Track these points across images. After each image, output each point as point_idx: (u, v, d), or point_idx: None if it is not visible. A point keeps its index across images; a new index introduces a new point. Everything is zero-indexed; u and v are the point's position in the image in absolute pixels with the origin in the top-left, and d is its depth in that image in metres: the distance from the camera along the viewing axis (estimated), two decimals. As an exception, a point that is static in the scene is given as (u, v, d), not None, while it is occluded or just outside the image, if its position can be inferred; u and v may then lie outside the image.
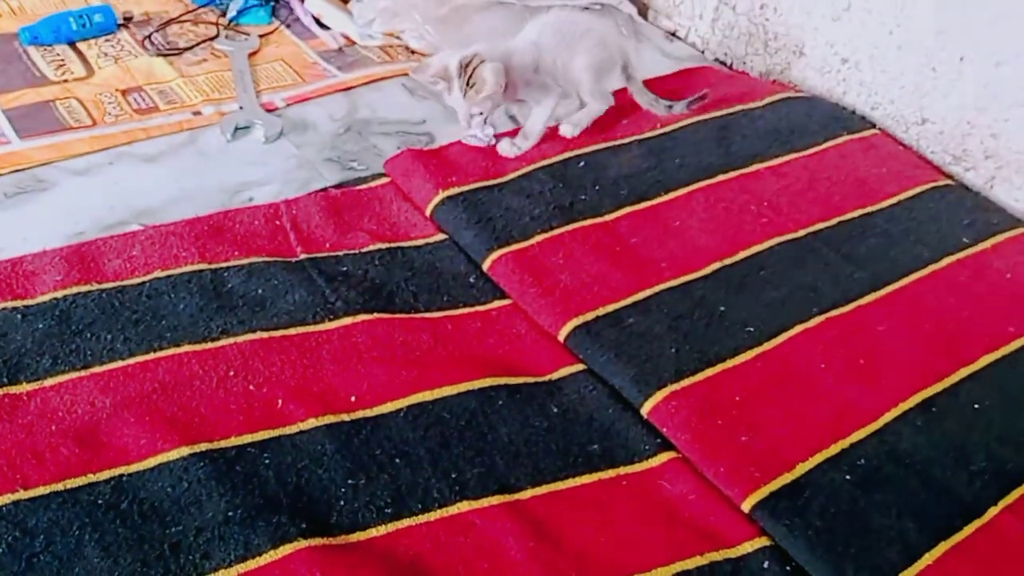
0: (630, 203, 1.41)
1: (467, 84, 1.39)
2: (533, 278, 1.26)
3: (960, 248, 1.38)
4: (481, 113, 1.43)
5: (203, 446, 1.00)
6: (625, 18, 1.97)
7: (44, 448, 0.98)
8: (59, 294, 1.16)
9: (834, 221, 1.42)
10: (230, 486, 0.96)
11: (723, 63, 1.94)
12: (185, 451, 0.99)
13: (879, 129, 1.67)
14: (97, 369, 1.07)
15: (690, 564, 0.96)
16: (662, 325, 1.21)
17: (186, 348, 1.11)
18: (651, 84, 1.73)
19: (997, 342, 1.23)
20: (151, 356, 1.10)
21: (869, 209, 1.45)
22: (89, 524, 0.91)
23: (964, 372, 1.18)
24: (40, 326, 1.12)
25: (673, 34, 2.02)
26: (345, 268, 1.27)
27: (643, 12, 2.05)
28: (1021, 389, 1.17)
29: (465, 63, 1.38)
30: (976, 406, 1.14)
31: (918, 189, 1.50)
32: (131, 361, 1.09)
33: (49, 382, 1.05)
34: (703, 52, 1.97)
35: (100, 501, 0.94)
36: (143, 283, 1.19)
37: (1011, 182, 1.53)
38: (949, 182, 1.55)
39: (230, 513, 0.94)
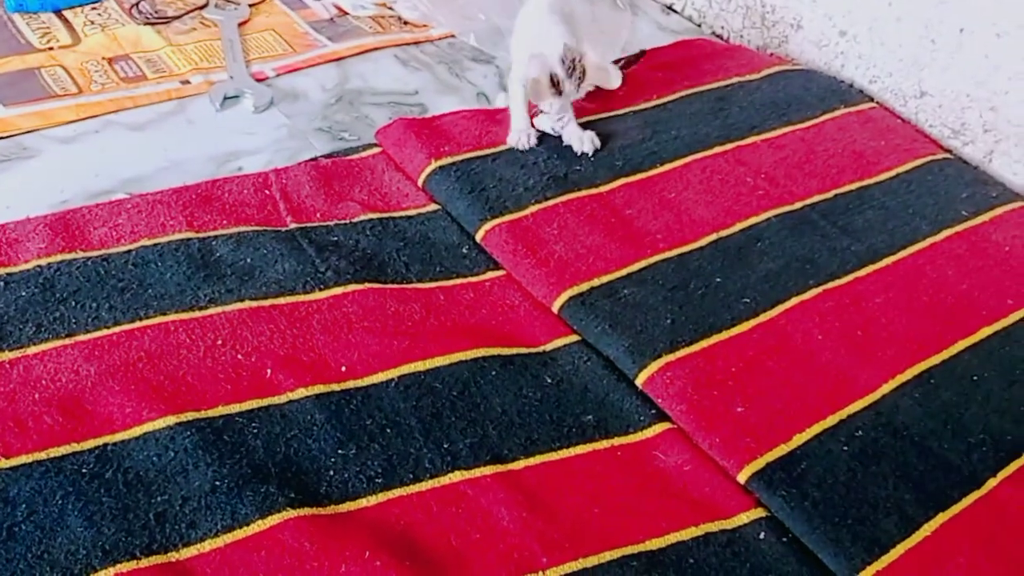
0: (625, 174, 1.39)
1: (580, 78, 1.36)
2: (527, 249, 1.24)
3: (959, 221, 1.37)
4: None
5: (190, 415, 0.98)
6: (621, -10, 1.94)
7: (27, 416, 0.96)
8: (43, 262, 1.14)
9: (831, 194, 1.40)
10: (217, 455, 0.94)
11: (720, 36, 1.91)
12: (171, 420, 0.97)
13: (877, 102, 1.65)
14: (82, 337, 1.05)
15: (685, 535, 0.95)
16: (657, 296, 1.20)
17: (173, 317, 1.09)
18: (647, 55, 1.72)
19: (995, 314, 1.22)
20: (137, 324, 1.08)
21: (867, 182, 1.43)
22: (72, 493, 0.90)
23: (962, 344, 1.17)
24: (23, 294, 1.09)
25: (670, 7, 2.00)
26: (336, 238, 1.25)
27: (639, -16, 2.03)
28: (1019, 361, 1.16)
29: (569, 60, 1.34)
30: (974, 378, 1.13)
31: (916, 162, 1.49)
32: (116, 329, 1.07)
33: (32, 350, 1.03)
34: (699, 25, 1.95)
35: (84, 470, 0.92)
36: (129, 251, 1.17)
37: (1010, 155, 1.51)
38: (947, 156, 1.53)
39: (217, 483, 0.92)
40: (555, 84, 1.36)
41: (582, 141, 1.42)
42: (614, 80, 1.36)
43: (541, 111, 1.43)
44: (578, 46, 1.37)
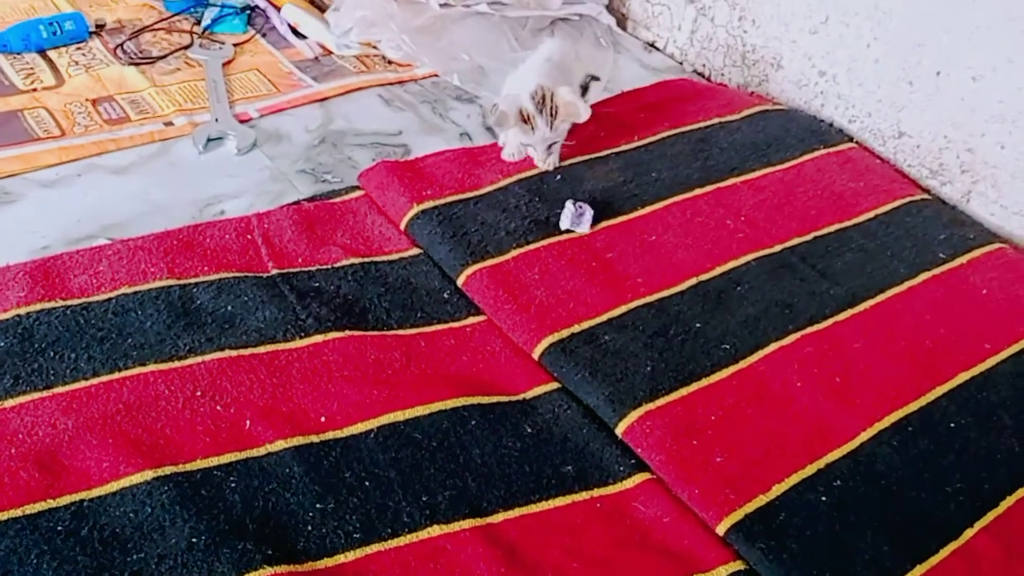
0: (606, 218, 1.40)
1: (551, 115, 1.38)
2: (508, 294, 1.25)
3: (936, 264, 1.38)
4: (556, 141, 1.43)
5: (168, 469, 0.98)
6: (604, 29, 1.96)
7: (3, 472, 0.95)
8: (22, 311, 1.13)
9: (810, 236, 1.41)
10: (195, 511, 0.94)
11: (701, 75, 1.93)
12: (149, 475, 0.97)
13: (856, 142, 1.66)
14: (60, 389, 1.05)
15: (663, 589, 0.95)
16: (637, 342, 1.20)
17: (152, 367, 1.09)
18: (629, 96, 1.74)
19: (973, 359, 1.23)
20: (116, 376, 1.07)
21: (845, 224, 1.44)
22: (48, 552, 0.89)
23: (940, 390, 1.18)
24: (1, 344, 1.09)
25: (652, 45, 2.02)
26: (317, 284, 1.25)
27: (622, 23, 2.04)
28: (996, 407, 1.17)
29: (539, 97, 1.37)
30: (952, 425, 1.14)
31: (895, 203, 1.50)
32: (95, 381, 1.06)
33: (9, 403, 1.03)
34: (681, 63, 1.96)
35: (60, 528, 0.91)
36: (109, 299, 1.17)
37: (987, 196, 1.53)
38: (926, 196, 1.55)
39: (194, 539, 0.92)
40: (527, 120, 1.38)
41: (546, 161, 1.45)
42: (583, 113, 1.39)
43: (526, 146, 1.46)
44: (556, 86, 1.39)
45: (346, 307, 1.22)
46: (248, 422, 1.05)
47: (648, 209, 1.43)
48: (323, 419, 1.07)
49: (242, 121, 1.58)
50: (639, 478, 1.06)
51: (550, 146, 1.44)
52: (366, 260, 1.30)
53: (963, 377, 1.20)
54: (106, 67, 1.68)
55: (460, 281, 1.28)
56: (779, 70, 1.79)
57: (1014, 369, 1.22)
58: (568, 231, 1.37)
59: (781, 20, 1.76)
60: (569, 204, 1.37)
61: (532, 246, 1.33)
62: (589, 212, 1.38)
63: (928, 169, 1.60)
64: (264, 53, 1.80)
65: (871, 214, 1.47)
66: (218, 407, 1.06)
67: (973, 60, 1.49)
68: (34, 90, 1.59)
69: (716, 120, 1.65)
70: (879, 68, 1.63)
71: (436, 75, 1.77)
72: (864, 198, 1.50)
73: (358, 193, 1.43)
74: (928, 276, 1.35)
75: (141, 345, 1.12)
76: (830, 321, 1.26)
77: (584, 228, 1.37)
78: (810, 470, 1.06)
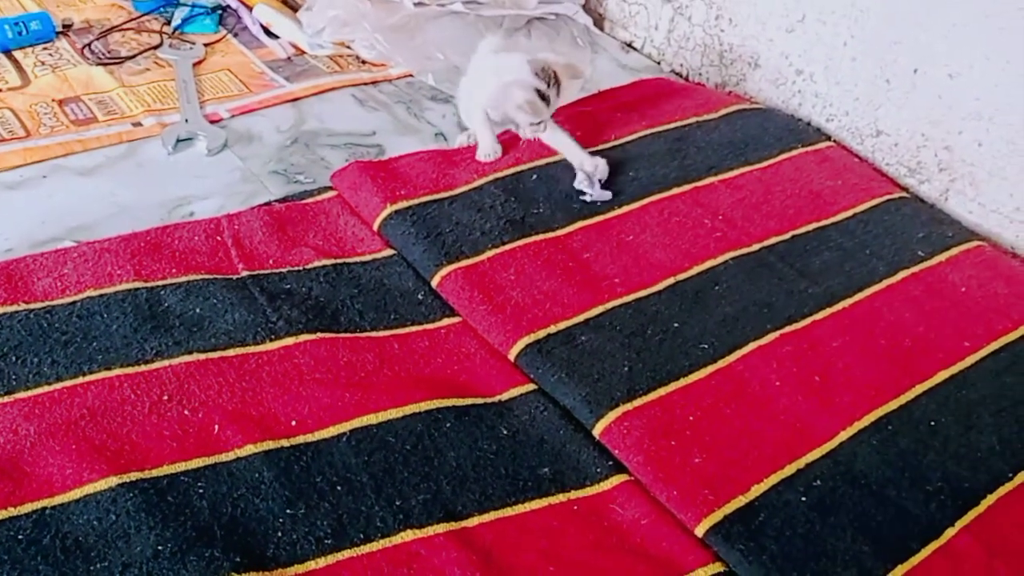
0: (583, 217, 1.38)
1: (556, 82, 1.38)
2: (483, 295, 1.23)
3: (915, 262, 1.37)
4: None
5: (133, 475, 0.95)
6: (581, 29, 1.95)
7: (-38, 480, 0.92)
8: (-16, 315, 1.10)
9: (788, 235, 1.40)
10: (161, 518, 0.91)
11: (679, 74, 1.92)
12: (114, 481, 0.94)
13: (834, 141, 1.66)
14: (21, 395, 1.02)
15: (642, 593, 0.93)
16: (615, 343, 1.18)
17: (117, 371, 1.06)
18: (606, 95, 1.72)
19: (952, 357, 1.22)
20: (80, 380, 1.04)
21: (824, 222, 1.43)
22: (8, 561, 0.86)
23: (919, 388, 1.17)
24: (-38, 350, 1.06)
25: (629, 45, 2.01)
26: (288, 285, 1.22)
27: (599, 23, 2.03)
28: (976, 405, 1.16)
29: (542, 72, 1.37)
30: (932, 423, 1.13)
31: (873, 202, 1.49)
32: (58, 386, 1.04)
33: (-30, 409, 1.00)
34: (659, 63, 1.95)
35: (20, 536, 0.88)
36: (74, 302, 1.14)
37: (965, 194, 1.52)
38: (904, 194, 1.54)
39: (160, 547, 0.89)
40: (543, 98, 1.36)
41: (596, 167, 1.43)
42: (585, 69, 1.38)
43: (517, 126, 1.43)
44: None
45: (318, 309, 1.20)
46: (216, 427, 1.02)
47: (625, 209, 1.41)
48: (294, 423, 1.04)
49: (213, 122, 1.55)
50: (617, 480, 1.04)
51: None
52: (338, 261, 1.28)
53: (942, 375, 1.19)
54: (73, 67, 1.64)
55: (434, 282, 1.26)
56: (756, 69, 1.78)
57: (993, 367, 1.21)
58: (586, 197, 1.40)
59: (758, 19, 1.75)
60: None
61: (507, 246, 1.31)
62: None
63: (906, 167, 1.59)
64: (236, 53, 1.77)
65: (849, 213, 1.46)
66: (186, 411, 1.03)
67: (950, 58, 1.48)
68: (-1, 91, 1.56)
69: (693, 119, 1.64)
70: (856, 66, 1.62)
71: (410, 75, 1.75)
72: (842, 197, 1.49)
73: (330, 194, 1.41)
74: (907, 274, 1.35)
75: (107, 349, 1.09)
76: (808, 320, 1.25)
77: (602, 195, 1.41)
78: (789, 470, 1.05)
